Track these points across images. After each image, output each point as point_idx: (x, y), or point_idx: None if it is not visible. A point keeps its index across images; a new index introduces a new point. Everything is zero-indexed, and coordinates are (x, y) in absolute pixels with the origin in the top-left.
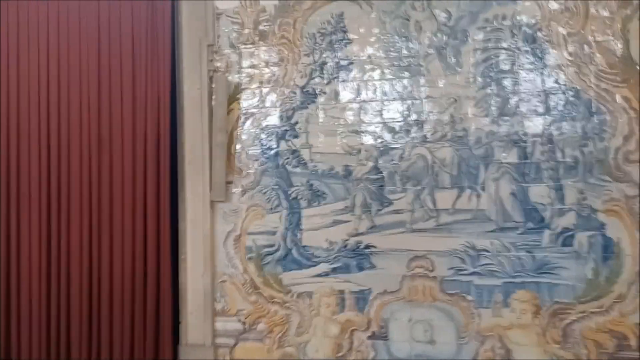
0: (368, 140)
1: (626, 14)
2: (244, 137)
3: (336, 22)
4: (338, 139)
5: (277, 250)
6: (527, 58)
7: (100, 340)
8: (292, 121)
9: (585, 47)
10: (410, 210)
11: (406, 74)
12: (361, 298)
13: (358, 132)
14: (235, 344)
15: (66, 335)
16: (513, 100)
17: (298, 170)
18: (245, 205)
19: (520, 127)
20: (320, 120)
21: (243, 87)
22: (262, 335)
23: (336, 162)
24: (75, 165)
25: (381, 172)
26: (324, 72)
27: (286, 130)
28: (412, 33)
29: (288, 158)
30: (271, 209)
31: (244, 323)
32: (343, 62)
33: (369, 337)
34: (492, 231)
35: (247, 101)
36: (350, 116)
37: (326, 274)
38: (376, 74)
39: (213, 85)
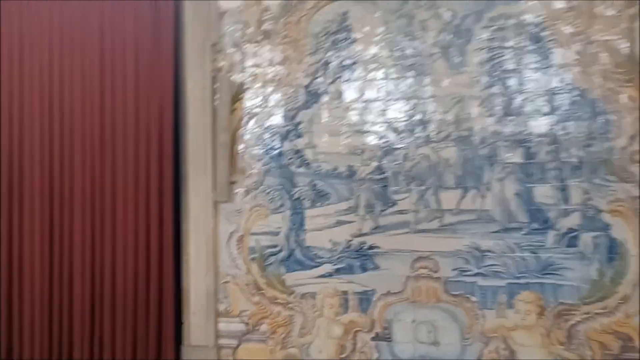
0: (372, 140)
1: (632, 13)
2: (247, 137)
3: (340, 21)
4: (342, 138)
5: (280, 251)
6: (532, 57)
7: (102, 341)
8: (296, 121)
9: (591, 46)
10: (414, 211)
11: (410, 73)
12: (365, 299)
13: (362, 132)
14: (238, 345)
15: (68, 335)
16: (518, 99)
17: (301, 170)
18: (248, 206)
19: (525, 127)
20: (324, 120)
21: (246, 86)
22: (265, 336)
23: (340, 162)
24: (78, 164)
25: (385, 172)
26: (328, 71)
27: (290, 130)
28: (416, 32)
29: (291, 158)
30: (274, 209)
31: (247, 324)
32: (347, 62)
33: (373, 338)
34: (496, 232)
35: (250, 101)
36: (354, 116)
37: (329, 275)
38: (380, 73)
39: (216, 85)
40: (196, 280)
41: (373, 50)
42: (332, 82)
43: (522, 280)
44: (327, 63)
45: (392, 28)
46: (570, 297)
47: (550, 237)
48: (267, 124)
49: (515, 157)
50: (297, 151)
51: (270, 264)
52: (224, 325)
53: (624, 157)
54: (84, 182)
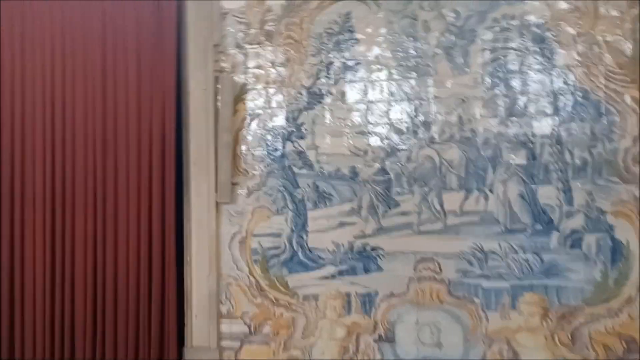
0: (375, 141)
1: (635, 13)
2: (249, 138)
3: (343, 22)
4: (344, 140)
5: (282, 252)
6: (536, 58)
7: (104, 342)
8: (298, 122)
9: (595, 47)
10: (417, 212)
11: (413, 74)
12: (367, 300)
13: (365, 133)
14: (240, 347)
15: (71, 336)
16: (521, 100)
17: (304, 171)
18: (250, 207)
19: (529, 128)
20: (327, 121)
21: (249, 87)
22: (267, 337)
23: (343, 163)
24: (79, 165)
25: (388, 174)
26: (331, 72)
27: (292, 131)
28: (419, 33)
29: (294, 159)
30: (277, 210)
31: (249, 325)
32: (350, 63)
33: (376, 340)
34: (500, 233)
35: (253, 102)
36: (357, 117)
37: (332, 276)
38: (383, 74)
39: (218, 86)
40: (198, 282)
41: (376, 51)
42: (334, 83)
43: (525, 282)
44: (329, 64)
45: (395, 29)
46: (574, 298)
47: (554, 238)
48: (270, 125)
49: (519, 158)
50: (300, 152)
51: (273, 265)
52: (226, 326)
53: (628, 158)
54: (86, 182)
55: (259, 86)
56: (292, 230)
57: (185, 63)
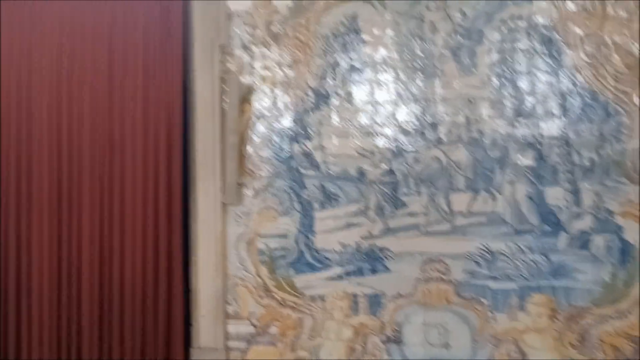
0: (382, 142)
1: None
2: (256, 138)
3: (349, 23)
4: (351, 140)
5: (289, 253)
6: (544, 59)
7: (111, 343)
8: (305, 123)
9: (602, 48)
10: (424, 213)
11: (420, 75)
12: (375, 301)
13: (372, 134)
14: (247, 347)
15: (77, 336)
16: (529, 101)
17: (311, 172)
18: (257, 208)
19: (536, 129)
20: (333, 122)
21: (255, 88)
22: (274, 338)
23: (349, 164)
24: (86, 165)
25: (395, 175)
26: (337, 73)
27: (299, 132)
28: (426, 34)
29: (300, 160)
30: (283, 211)
31: (256, 326)
32: (356, 64)
33: (383, 341)
34: (507, 234)
35: (259, 103)
36: (363, 118)
37: (339, 277)
38: (390, 75)
39: (225, 87)
40: (205, 282)
41: (383, 52)
42: (341, 84)
43: (533, 283)
44: (336, 65)
45: (402, 30)
46: (582, 299)
47: (562, 239)
48: (276, 125)
49: (526, 159)
50: (306, 153)
51: (280, 266)
52: (233, 327)
53: (636, 159)
54: (92, 183)
55: (266, 87)
56: (298, 231)
57: (191, 64)
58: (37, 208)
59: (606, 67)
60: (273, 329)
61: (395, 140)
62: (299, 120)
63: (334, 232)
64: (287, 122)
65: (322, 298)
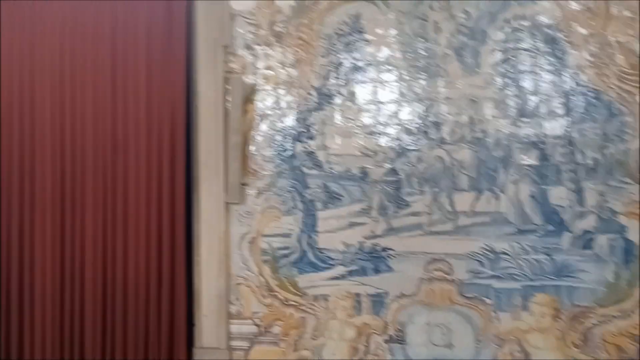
0: (385, 141)
1: None
2: (259, 138)
3: (353, 23)
4: (354, 140)
5: (292, 253)
6: (547, 59)
7: (114, 342)
8: (308, 123)
9: (606, 47)
10: (427, 213)
11: (424, 75)
12: (378, 301)
13: (375, 134)
14: (250, 347)
15: (80, 336)
16: (533, 101)
17: (314, 172)
18: (260, 207)
19: (540, 129)
20: (337, 121)
21: (258, 88)
22: (277, 338)
23: (352, 163)
24: (89, 165)
25: (398, 174)
26: (340, 73)
27: (302, 132)
28: (430, 34)
29: (304, 160)
30: (286, 211)
31: (259, 326)
32: (360, 63)
33: (386, 341)
34: (511, 234)
35: (262, 102)
36: (366, 118)
37: (342, 277)
38: (393, 75)
39: (228, 87)
40: (208, 282)
41: (386, 51)
42: (344, 84)
43: (537, 283)
44: (339, 65)
45: (405, 29)
46: (586, 299)
47: (566, 239)
48: (279, 125)
49: (530, 159)
50: (310, 153)
51: (283, 265)
52: (235, 327)
53: None
54: (95, 183)
55: (269, 87)
56: (301, 231)
57: (194, 64)
58: (40, 208)
59: (610, 66)
60: (276, 329)
61: (399, 139)
62: (302, 119)
63: (337, 232)
64: (290, 121)
65: (325, 298)
